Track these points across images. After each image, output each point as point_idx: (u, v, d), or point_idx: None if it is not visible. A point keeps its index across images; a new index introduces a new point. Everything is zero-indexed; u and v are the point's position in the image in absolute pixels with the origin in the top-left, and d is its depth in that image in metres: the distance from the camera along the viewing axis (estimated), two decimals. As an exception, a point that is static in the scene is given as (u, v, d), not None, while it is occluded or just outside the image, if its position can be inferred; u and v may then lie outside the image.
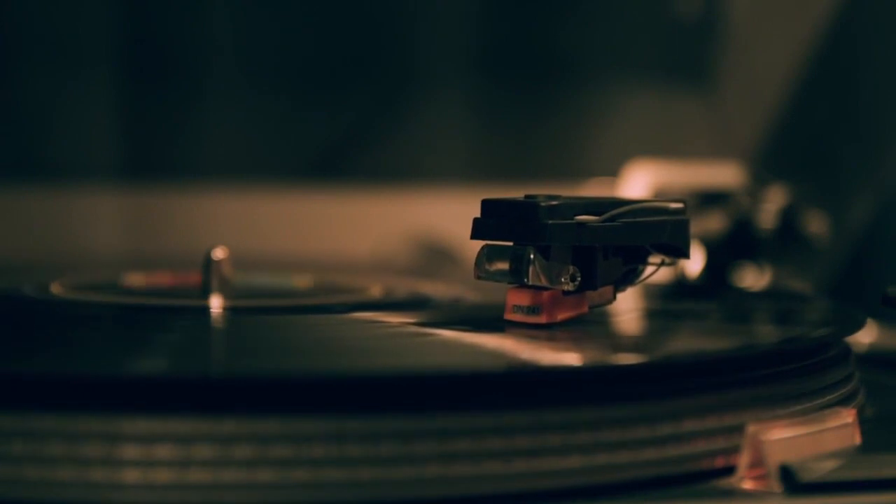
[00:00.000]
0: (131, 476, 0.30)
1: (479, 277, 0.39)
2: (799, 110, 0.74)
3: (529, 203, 0.38)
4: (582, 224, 0.38)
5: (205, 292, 0.46)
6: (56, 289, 0.49)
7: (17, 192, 0.73)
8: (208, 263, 0.46)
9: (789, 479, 0.32)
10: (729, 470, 0.34)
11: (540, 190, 0.40)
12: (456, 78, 0.78)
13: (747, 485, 0.33)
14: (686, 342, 0.41)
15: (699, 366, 0.35)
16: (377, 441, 0.31)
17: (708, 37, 0.80)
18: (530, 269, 0.38)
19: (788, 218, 0.59)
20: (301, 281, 0.53)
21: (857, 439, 0.36)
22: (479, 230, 0.39)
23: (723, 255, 0.59)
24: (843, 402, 0.38)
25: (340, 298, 0.49)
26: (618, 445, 0.33)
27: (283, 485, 0.30)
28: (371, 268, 0.66)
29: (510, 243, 0.39)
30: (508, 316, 0.39)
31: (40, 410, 0.30)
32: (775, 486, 0.33)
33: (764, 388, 0.36)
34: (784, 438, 0.33)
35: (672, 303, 0.51)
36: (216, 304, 0.45)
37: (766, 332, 0.45)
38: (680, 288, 0.56)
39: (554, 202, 0.38)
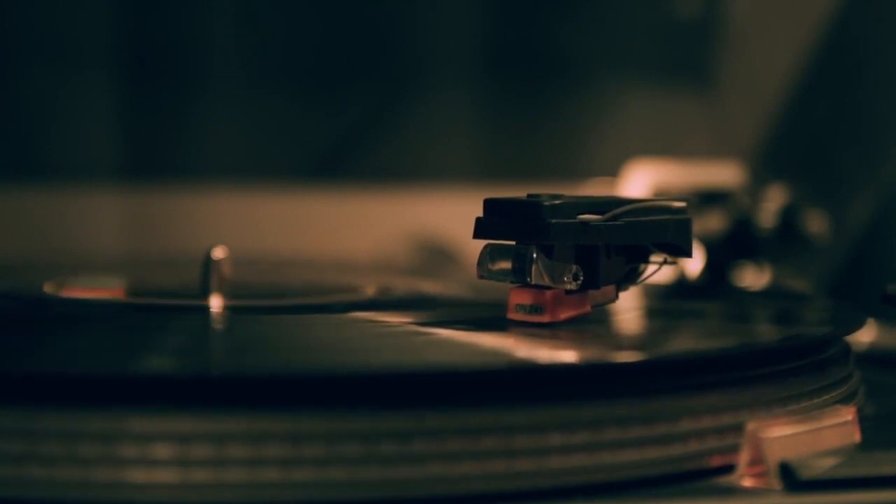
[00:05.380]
0: (131, 475, 0.30)
1: (481, 277, 0.39)
2: (799, 110, 0.74)
3: (532, 202, 0.38)
4: (585, 223, 0.38)
5: (204, 292, 0.46)
6: (55, 288, 0.49)
7: (17, 192, 0.73)
8: (208, 263, 0.46)
9: (789, 476, 0.32)
10: (729, 468, 0.34)
11: (541, 189, 0.40)
12: (457, 78, 0.78)
13: (747, 482, 0.33)
14: (686, 341, 0.41)
15: (699, 364, 0.35)
16: (376, 440, 0.31)
17: (708, 37, 0.80)
18: (533, 268, 0.38)
19: (788, 217, 0.59)
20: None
21: (857, 437, 0.36)
22: (481, 229, 0.39)
23: (723, 255, 0.59)
24: (843, 400, 0.38)
25: (339, 298, 0.49)
26: (618, 444, 0.33)
27: (281, 484, 0.30)
28: (371, 268, 0.66)
29: (513, 242, 0.39)
30: (511, 315, 0.39)
31: (40, 409, 0.30)
32: (775, 483, 0.33)
33: (764, 387, 0.36)
34: (784, 436, 0.33)
35: (672, 302, 0.51)
36: (216, 303, 0.45)
37: (766, 331, 0.45)
38: (680, 287, 0.56)
39: (557, 201, 0.38)
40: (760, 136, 0.76)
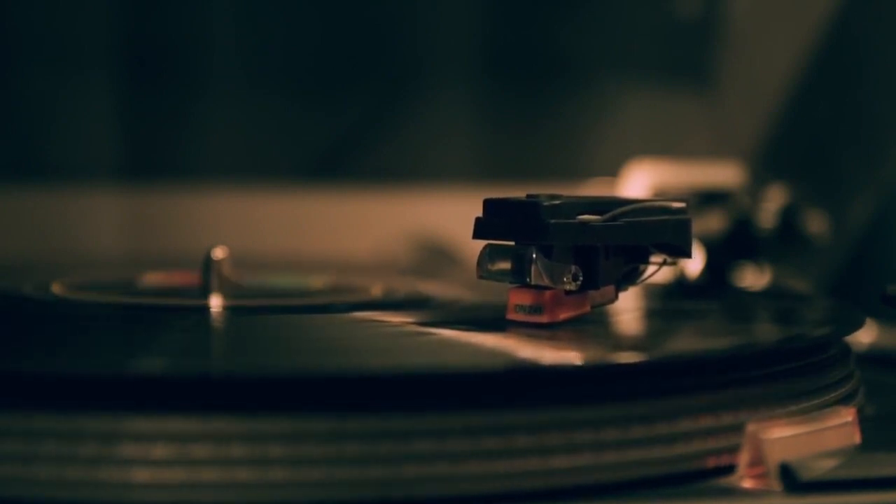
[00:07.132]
0: (129, 475, 0.30)
1: (481, 277, 0.39)
2: (799, 110, 0.74)
3: (532, 202, 0.38)
4: (584, 223, 0.38)
5: (204, 292, 0.46)
6: (56, 289, 0.49)
7: (17, 192, 0.73)
8: (208, 263, 0.46)
9: (789, 477, 0.32)
10: (729, 469, 0.34)
11: (541, 190, 0.40)
12: (457, 78, 0.78)
13: (747, 483, 0.33)
14: (686, 341, 0.41)
15: (699, 365, 0.35)
16: (378, 440, 0.31)
17: (708, 37, 0.80)
18: (532, 268, 0.38)
19: (788, 217, 0.59)
20: (316, 282, 0.53)
21: (857, 438, 0.36)
22: (481, 230, 0.39)
23: (723, 255, 0.59)
24: (843, 400, 0.38)
25: (340, 298, 0.49)
26: (618, 444, 0.33)
27: (283, 484, 0.30)
28: (371, 268, 0.66)
29: (512, 243, 0.39)
30: (510, 316, 0.39)
31: (40, 409, 0.30)
32: (775, 484, 0.33)
33: (764, 387, 0.36)
34: (784, 437, 0.33)
35: (672, 302, 0.51)
36: (216, 303, 0.45)
37: (766, 332, 0.45)
38: (680, 288, 0.56)
39: (556, 202, 0.38)
40: (760, 136, 0.76)
